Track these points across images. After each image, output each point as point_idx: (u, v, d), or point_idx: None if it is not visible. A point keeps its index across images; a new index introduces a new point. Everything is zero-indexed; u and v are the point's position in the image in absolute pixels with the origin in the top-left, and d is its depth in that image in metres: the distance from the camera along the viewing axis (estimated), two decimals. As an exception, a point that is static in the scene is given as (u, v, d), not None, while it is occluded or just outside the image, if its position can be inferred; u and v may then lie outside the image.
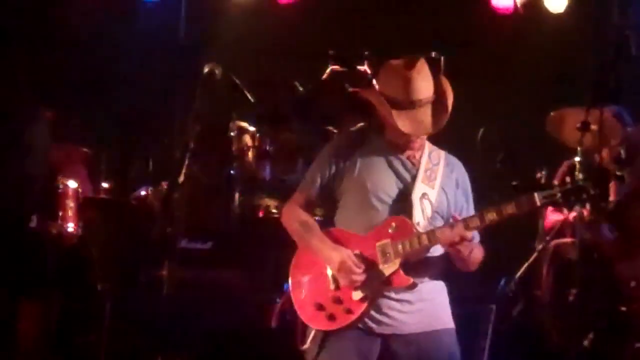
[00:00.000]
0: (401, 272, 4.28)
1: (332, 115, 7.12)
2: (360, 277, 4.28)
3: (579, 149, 6.19)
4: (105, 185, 7.65)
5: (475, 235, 4.34)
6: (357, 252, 4.31)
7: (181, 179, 6.53)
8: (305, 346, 4.39)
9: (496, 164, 7.07)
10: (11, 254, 6.61)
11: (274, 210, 7.10)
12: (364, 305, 4.29)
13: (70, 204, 6.99)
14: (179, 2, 8.89)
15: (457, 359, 4.47)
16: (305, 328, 4.42)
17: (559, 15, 8.33)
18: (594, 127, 6.12)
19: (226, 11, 8.79)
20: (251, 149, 7.44)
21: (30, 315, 6.69)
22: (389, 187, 4.38)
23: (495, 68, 8.37)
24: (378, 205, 4.36)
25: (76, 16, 8.74)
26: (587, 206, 6.09)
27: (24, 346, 6.66)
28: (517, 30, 8.34)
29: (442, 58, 6.90)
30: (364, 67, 7.04)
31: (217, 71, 6.64)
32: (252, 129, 7.46)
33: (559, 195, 4.17)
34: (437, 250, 4.38)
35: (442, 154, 4.53)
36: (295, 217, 4.50)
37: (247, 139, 7.44)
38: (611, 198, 6.42)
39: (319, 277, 4.38)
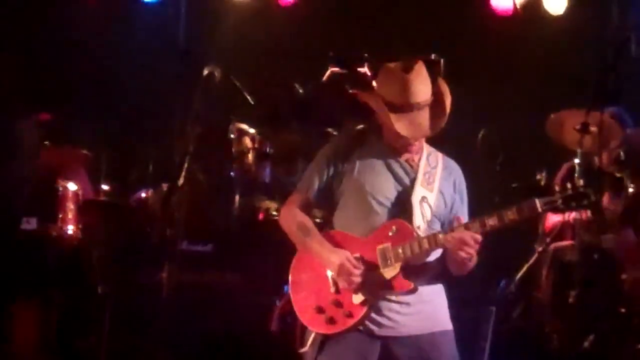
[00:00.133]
0: (401, 276, 4.27)
1: (332, 117, 7.11)
2: (359, 279, 4.28)
3: (578, 150, 6.21)
4: (105, 187, 7.64)
5: None
6: (357, 255, 4.30)
7: (181, 181, 6.53)
8: (305, 349, 4.38)
9: (496, 165, 7.08)
10: (1, 255, 6.65)
11: (274, 212, 7.10)
12: (364, 309, 4.28)
13: (70, 206, 7.01)
14: (178, 4, 8.89)
15: (457, 360, 4.47)
16: (304, 331, 4.41)
17: (558, 17, 8.33)
18: (593, 128, 6.13)
19: (226, 13, 8.79)
20: (251, 151, 7.44)
21: (30, 317, 6.69)
22: (388, 190, 4.37)
23: (495, 70, 8.36)
24: (377, 208, 4.35)
25: (76, 18, 8.75)
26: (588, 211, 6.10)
27: (24, 348, 6.66)
28: (516, 32, 8.34)
29: (442, 60, 6.90)
30: (364, 69, 7.04)
31: (216, 73, 6.64)
32: (252, 131, 7.46)
33: (559, 201, 4.17)
34: (436, 253, 4.38)
35: (440, 156, 4.53)
36: (293, 220, 4.48)
37: (247, 141, 7.44)
38: (604, 203, 6.41)
39: (319, 280, 4.37)
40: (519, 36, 8.35)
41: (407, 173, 4.41)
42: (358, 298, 4.29)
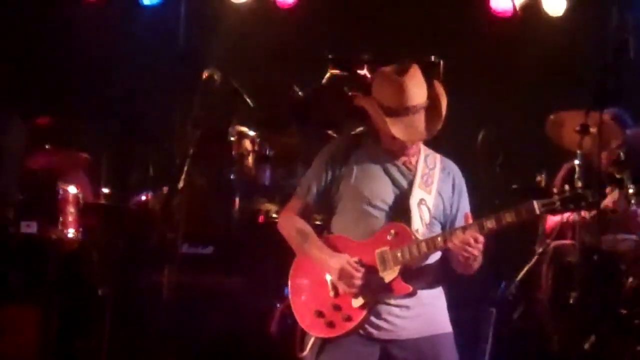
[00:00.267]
0: (400, 279, 4.27)
1: (332, 119, 7.11)
2: (360, 282, 4.27)
3: (578, 152, 6.20)
4: (105, 190, 7.65)
5: None
6: (355, 259, 4.30)
7: (181, 183, 6.54)
8: (304, 353, 4.39)
9: (496, 167, 7.07)
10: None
11: (274, 215, 7.10)
12: (364, 313, 4.28)
13: (71, 209, 7.00)
14: (178, 6, 8.89)
15: (456, 362, 4.47)
16: (304, 335, 4.41)
17: (558, 18, 8.33)
18: (593, 130, 6.13)
19: (225, 16, 8.78)
20: (251, 154, 7.44)
21: (30, 320, 6.70)
22: (386, 194, 4.37)
23: (494, 71, 8.36)
24: (375, 212, 4.35)
25: (76, 20, 8.75)
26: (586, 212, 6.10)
27: (24, 351, 6.66)
28: (516, 33, 8.34)
29: (442, 61, 6.90)
30: (364, 72, 7.04)
31: (216, 76, 6.65)
32: (251, 133, 7.46)
33: (558, 203, 4.17)
34: (435, 256, 4.38)
35: (438, 157, 4.53)
36: (292, 226, 4.48)
37: (247, 144, 7.43)
38: (607, 202, 6.41)
39: (318, 284, 4.37)
40: (518, 37, 8.35)
41: (404, 176, 4.41)
42: (357, 302, 4.29)
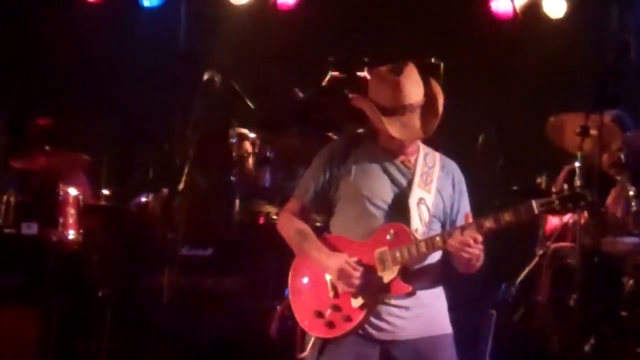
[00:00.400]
0: (400, 279, 4.26)
1: (332, 121, 7.11)
2: (358, 282, 4.27)
3: (578, 154, 6.20)
4: (105, 192, 7.65)
5: None
6: (355, 259, 4.30)
7: (181, 185, 6.55)
8: (305, 354, 4.38)
9: (496, 169, 7.08)
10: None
11: (274, 217, 7.09)
12: (363, 313, 4.27)
13: (71, 211, 7.01)
14: (178, 9, 8.91)
15: (456, 364, 4.46)
16: (304, 336, 4.41)
17: (558, 21, 8.34)
18: (593, 132, 6.13)
19: (226, 18, 8.80)
20: (251, 156, 7.44)
21: (31, 321, 6.70)
22: (385, 194, 4.37)
23: (495, 73, 8.37)
24: (375, 211, 4.34)
25: (76, 23, 8.76)
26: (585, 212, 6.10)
27: (24, 352, 6.66)
28: (516, 35, 8.35)
29: (442, 63, 6.90)
30: (364, 73, 7.04)
31: (216, 78, 6.66)
32: (252, 135, 7.46)
33: (556, 202, 4.15)
34: (435, 256, 4.38)
35: (437, 155, 4.52)
36: (291, 225, 4.48)
37: (247, 146, 7.44)
38: (609, 202, 6.42)
39: (318, 284, 4.37)
40: (519, 39, 8.37)
41: (403, 175, 4.41)
42: (357, 302, 4.29)
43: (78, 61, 8.74)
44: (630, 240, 6.34)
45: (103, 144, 8.08)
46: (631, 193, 6.29)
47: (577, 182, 5.92)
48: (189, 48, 8.73)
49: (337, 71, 7.22)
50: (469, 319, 6.01)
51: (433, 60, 6.87)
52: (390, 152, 4.43)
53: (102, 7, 8.91)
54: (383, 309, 4.30)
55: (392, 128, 4.31)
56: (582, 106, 6.29)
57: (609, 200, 6.43)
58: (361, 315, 4.28)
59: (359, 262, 4.29)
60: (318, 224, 4.86)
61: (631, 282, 6.24)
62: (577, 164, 6.26)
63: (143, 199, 7.44)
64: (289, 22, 8.75)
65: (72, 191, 7.05)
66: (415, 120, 4.34)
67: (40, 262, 6.81)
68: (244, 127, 7.48)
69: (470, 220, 4.25)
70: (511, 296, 6.49)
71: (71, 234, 6.97)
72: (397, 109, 4.32)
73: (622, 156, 6.42)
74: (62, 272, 6.86)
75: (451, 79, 6.21)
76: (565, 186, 4.18)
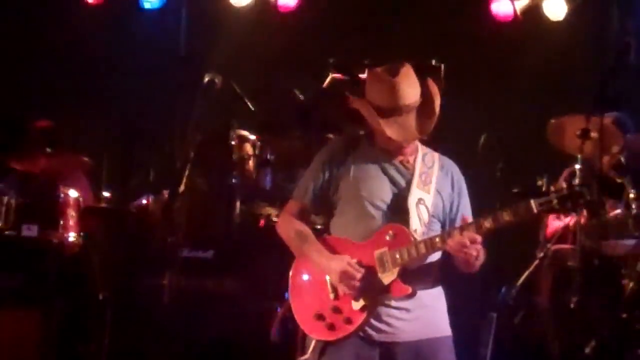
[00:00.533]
0: (400, 280, 4.27)
1: (333, 123, 7.11)
2: (360, 284, 4.26)
3: (579, 156, 6.20)
4: (106, 194, 7.65)
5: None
6: (355, 260, 4.30)
7: (182, 187, 6.55)
8: (306, 356, 4.38)
9: (497, 171, 7.07)
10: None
11: (274, 219, 7.09)
12: (364, 315, 4.27)
13: (72, 213, 7.00)
14: (179, 11, 8.91)
15: (455, 366, 4.47)
16: (305, 338, 4.41)
17: (558, 23, 8.34)
18: (594, 134, 6.13)
19: (226, 20, 8.80)
20: (252, 158, 7.44)
21: (31, 323, 6.69)
22: (385, 194, 4.37)
23: (495, 75, 8.37)
24: (374, 212, 4.35)
25: (77, 25, 8.76)
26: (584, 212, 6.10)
27: (25, 355, 6.66)
28: (517, 37, 8.35)
29: (443, 65, 6.90)
30: (365, 75, 7.03)
31: (217, 80, 6.66)
32: (252, 137, 7.46)
33: (555, 201, 4.15)
34: (435, 257, 4.38)
35: (436, 155, 4.52)
36: (290, 227, 4.48)
37: (248, 148, 7.44)
38: (609, 204, 6.42)
39: (318, 286, 4.37)
40: (519, 41, 8.37)
41: (402, 175, 4.41)
42: (357, 304, 4.29)
43: (78, 62, 8.75)
44: (630, 242, 6.34)
45: (103, 146, 8.07)
46: (632, 195, 6.28)
47: (575, 180, 5.92)
48: (189, 50, 8.73)
49: (337, 73, 7.22)
50: (469, 322, 6.02)
51: (434, 62, 6.86)
52: (388, 152, 4.44)
53: (102, 9, 8.91)
54: (383, 310, 4.31)
55: (389, 129, 4.31)
56: (583, 108, 6.29)
57: (609, 202, 6.43)
58: (362, 318, 4.28)
59: (360, 264, 4.29)
60: (318, 227, 4.86)
61: (632, 284, 6.23)
62: (577, 167, 6.26)
63: (143, 201, 7.43)
64: (290, 23, 8.75)
65: (73, 193, 7.05)
66: (412, 120, 4.34)
67: (41, 264, 6.80)
68: (245, 129, 7.48)
69: (469, 220, 4.26)
70: (512, 298, 6.49)
71: (71, 236, 6.96)
72: (393, 110, 4.32)
73: (623, 158, 6.42)
74: (63, 274, 6.86)
75: (452, 81, 6.20)
76: (564, 185, 4.17)
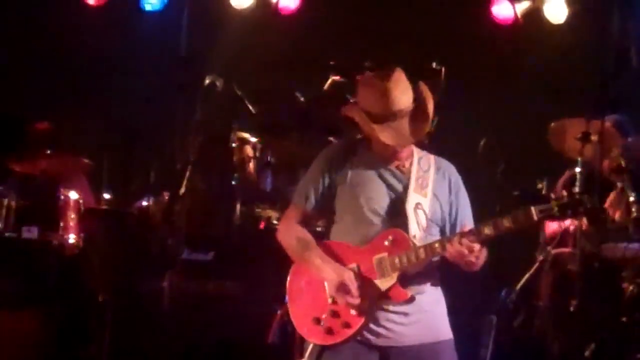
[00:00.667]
0: (399, 286, 4.26)
1: (334, 126, 7.11)
2: (356, 301, 4.25)
3: (579, 159, 6.21)
4: (106, 196, 7.66)
5: None
6: (354, 265, 4.30)
7: (182, 189, 6.55)
8: (304, 360, 4.39)
9: (497, 174, 7.07)
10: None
11: (275, 221, 7.09)
12: (362, 320, 4.26)
13: (72, 214, 7.01)
14: (180, 13, 8.90)
15: (456, 370, 4.46)
16: (303, 342, 4.40)
17: (559, 26, 8.33)
18: (594, 137, 6.13)
19: (227, 22, 8.80)
20: (252, 160, 7.45)
21: (31, 325, 6.70)
22: (382, 200, 4.35)
23: (496, 78, 8.37)
24: (373, 218, 4.33)
25: (77, 26, 8.77)
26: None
27: (25, 357, 6.66)
28: (517, 40, 8.35)
29: (443, 69, 6.89)
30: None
31: (218, 82, 6.67)
32: (253, 139, 7.47)
33: (555, 209, 4.15)
34: (434, 261, 4.37)
35: (432, 158, 4.50)
36: (291, 234, 4.46)
37: (249, 150, 7.45)
38: (607, 204, 6.42)
39: (316, 290, 4.35)
40: (519, 45, 8.36)
41: (399, 180, 4.39)
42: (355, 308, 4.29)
43: (79, 64, 8.75)
44: (630, 245, 6.34)
45: (104, 148, 8.07)
46: (632, 199, 6.28)
47: (577, 188, 5.92)
48: (190, 52, 8.73)
49: (338, 75, 7.21)
50: (469, 325, 6.01)
51: (434, 65, 6.85)
52: (384, 158, 4.42)
53: (103, 11, 8.91)
54: (382, 315, 4.29)
55: (383, 134, 4.30)
56: (583, 111, 6.29)
57: (607, 203, 6.43)
58: (360, 322, 4.27)
59: (358, 269, 4.28)
60: (318, 229, 4.85)
61: (631, 287, 6.23)
62: (577, 170, 6.26)
63: (144, 203, 7.44)
64: (291, 26, 8.75)
65: (73, 195, 7.05)
66: (406, 125, 4.32)
67: (41, 266, 6.81)
68: (245, 131, 7.49)
69: (468, 227, 4.26)
70: (511, 302, 6.49)
71: (72, 238, 6.97)
72: (386, 116, 4.30)
73: (623, 162, 6.42)
74: (63, 276, 6.86)
75: (452, 84, 6.21)
76: (564, 192, 4.18)
